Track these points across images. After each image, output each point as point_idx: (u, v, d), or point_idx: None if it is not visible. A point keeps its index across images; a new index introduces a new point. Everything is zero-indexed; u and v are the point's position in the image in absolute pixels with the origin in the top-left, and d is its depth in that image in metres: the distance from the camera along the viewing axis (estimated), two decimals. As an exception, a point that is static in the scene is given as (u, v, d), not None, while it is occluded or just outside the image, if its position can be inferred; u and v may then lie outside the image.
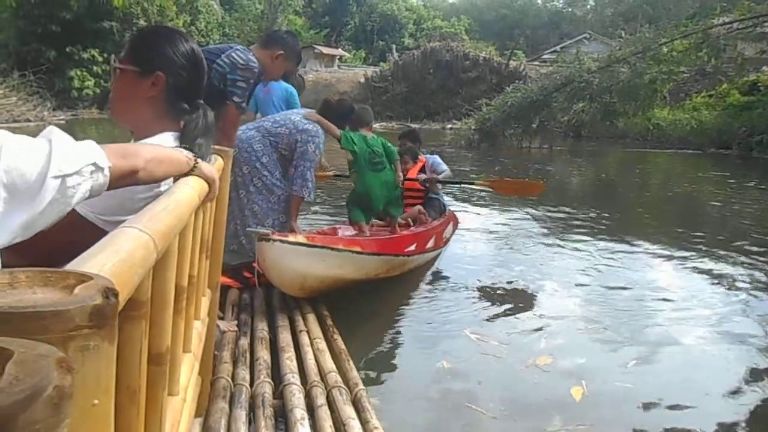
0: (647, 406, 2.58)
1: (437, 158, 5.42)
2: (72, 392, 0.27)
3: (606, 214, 6.92)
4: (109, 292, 0.38)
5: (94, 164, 0.86)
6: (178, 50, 1.46)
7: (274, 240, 3.12)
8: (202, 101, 1.52)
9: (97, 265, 0.51)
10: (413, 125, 23.67)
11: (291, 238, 3.24)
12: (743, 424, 2.46)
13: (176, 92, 1.45)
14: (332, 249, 3.32)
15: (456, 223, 5.39)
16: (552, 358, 2.98)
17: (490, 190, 6.10)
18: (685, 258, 5.00)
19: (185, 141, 1.41)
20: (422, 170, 5.08)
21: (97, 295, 0.36)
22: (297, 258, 3.15)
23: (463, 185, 5.63)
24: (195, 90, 1.50)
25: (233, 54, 3.04)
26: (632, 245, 5.37)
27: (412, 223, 4.64)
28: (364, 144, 4.01)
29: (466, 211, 6.77)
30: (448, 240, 4.99)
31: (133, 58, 1.45)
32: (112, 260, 0.54)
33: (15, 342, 0.29)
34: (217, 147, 1.80)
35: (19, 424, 0.24)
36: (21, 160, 0.73)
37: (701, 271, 4.65)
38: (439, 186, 5.33)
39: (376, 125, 4.70)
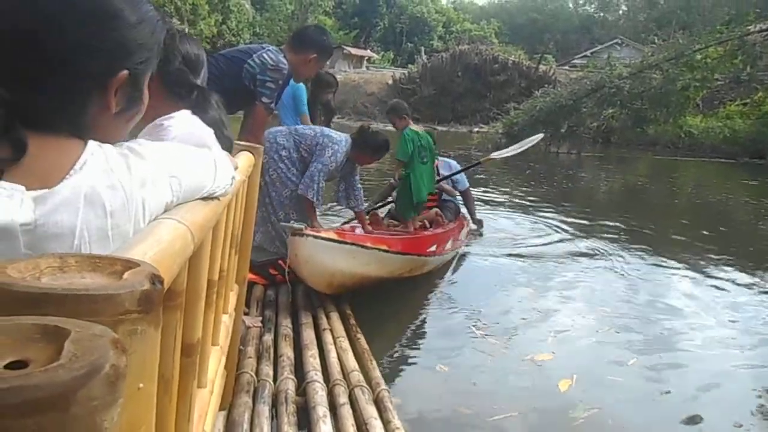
0: (637, 400, 2.66)
1: (454, 163, 5.46)
2: (126, 373, 0.28)
3: (631, 222, 6.82)
4: (156, 279, 0.39)
5: (233, 178, 1.04)
6: (176, 47, 1.47)
7: (308, 235, 3.16)
8: (197, 83, 1.51)
9: (140, 253, 0.52)
10: (439, 128, 23.69)
11: (323, 234, 3.29)
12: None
13: (171, 82, 1.43)
14: (362, 246, 3.36)
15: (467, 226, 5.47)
16: (552, 355, 3.04)
17: (494, 161, 6.18)
18: (708, 269, 4.91)
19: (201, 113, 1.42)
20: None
21: (145, 280, 0.37)
22: (328, 254, 3.19)
23: (469, 170, 5.64)
24: (188, 80, 1.47)
25: (264, 55, 3.06)
26: (656, 254, 5.28)
27: (428, 225, 4.68)
28: (417, 137, 4.11)
29: (484, 214, 6.75)
30: (463, 242, 5.03)
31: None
32: (154, 249, 0.55)
33: (70, 322, 0.30)
34: (247, 144, 1.82)
35: (78, 400, 0.25)
36: (195, 181, 0.83)
37: (724, 282, 4.56)
38: (457, 192, 5.40)
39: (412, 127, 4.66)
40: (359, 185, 3.83)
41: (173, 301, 0.69)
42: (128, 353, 0.35)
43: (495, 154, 6.01)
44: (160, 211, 0.72)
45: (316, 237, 3.18)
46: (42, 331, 0.29)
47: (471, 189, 5.87)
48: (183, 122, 1.35)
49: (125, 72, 0.72)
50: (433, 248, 4.10)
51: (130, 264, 0.41)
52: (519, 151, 6.07)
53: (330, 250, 3.20)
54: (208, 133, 1.17)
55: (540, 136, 6.37)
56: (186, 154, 0.84)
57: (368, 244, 3.42)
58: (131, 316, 0.36)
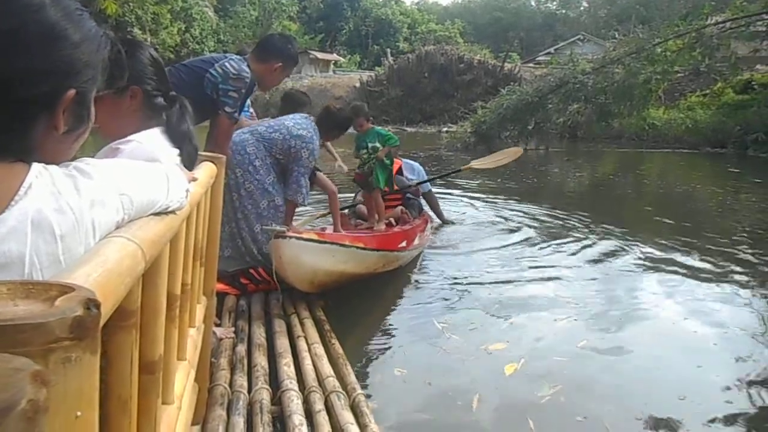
0: (579, 379, 2.78)
1: (417, 165, 5.55)
2: (47, 406, 0.27)
3: (597, 213, 6.90)
4: (91, 303, 0.38)
5: (187, 191, 1.06)
6: (141, 60, 1.49)
7: (290, 237, 3.27)
8: (173, 93, 1.56)
9: (83, 276, 0.51)
10: (408, 129, 23.76)
11: (305, 235, 3.40)
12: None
13: (152, 96, 1.50)
14: (340, 245, 3.49)
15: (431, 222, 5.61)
16: (506, 344, 3.14)
17: (474, 173, 6.26)
18: (672, 256, 4.99)
19: (171, 132, 1.46)
20: (399, 173, 5.13)
21: (77, 306, 0.36)
22: (310, 254, 3.31)
23: (449, 177, 5.74)
24: (165, 86, 1.54)
25: (226, 64, 3.02)
26: (622, 244, 5.35)
27: (394, 223, 4.79)
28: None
29: (453, 209, 6.82)
30: (428, 238, 5.15)
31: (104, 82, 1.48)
32: (98, 270, 0.54)
33: (-9, 356, 0.29)
34: (209, 154, 1.80)
35: (-8, 439, 0.24)
36: (146, 197, 0.82)
37: (685, 269, 4.66)
38: (423, 189, 5.49)
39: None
40: (303, 177, 3.71)
41: (126, 320, 0.68)
42: (59, 383, 0.34)
43: (475, 163, 6.15)
44: (111, 230, 0.70)
45: (299, 238, 3.30)
46: (-41, 367, 0.28)
47: (434, 189, 5.99)
48: (141, 136, 1.34)
49: (72, 91, 0.71)
50: (404, 244, 4.23)
51: (65, 289, 0.39)
52: (499, 164, 6.22)
53: (312, 250, 3.32)
54: (160, 148, 1.17)
55: (519, 150, 6.43)
56: (136, 170, 0.83)
57: (347, 243, 3.54)
58: (63, 343, 0.35)
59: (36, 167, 0.64)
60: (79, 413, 0.38)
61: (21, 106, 0.66)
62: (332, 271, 3.45)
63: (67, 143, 0.76)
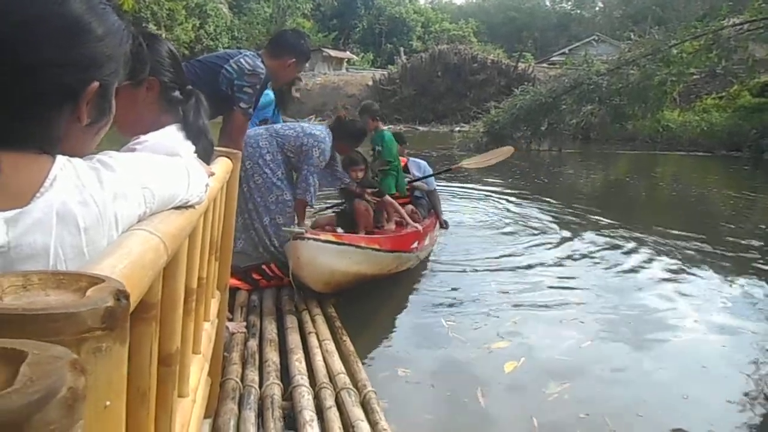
0: (581, 377, 2.79)
1: (423, 163, 5.53)
2: (85, 394, 0.27)
3: (612, 216, 6.86)
4: (121, 294, 0.38)
5: (206, 185, 1.06)
6: (159, 53, 1.50)
7: (308, 238, 3.30)
8: (189, 87, 1.57)
9: (109, 268, 0.51)
10: (420, 128, 23.71)
11: (322, 236, 3.43)
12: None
13: (169, 88, 1.50)
14: (357, 246, 3.51)
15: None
16: (509, 343, 3.16)
17: (466, 171, 6.26)
18: (685, 262, 4.96)
19: (187, 127, 1.47)
20: (405, 170, 5.13)
21: (108, 297, 0.37)
22: (327, 255, 3.34)
23: (440, 175, 5.72)
24: (182, 79, 1.55)
25: (241, 60, 3.04)
26: (635, 246, 5.33)
27: (405, 223, 4.71)
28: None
29: (464, 209, 6.80)
30: (436, 237, 5.13)
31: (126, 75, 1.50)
32: (123, 262, 0.54)
33: (29, 344, 0.29)
34: (225, 149, 1.81)
35: (34, 425, 0.24)
36: (167, 191, 0.82)
37: (701, 271, 4.63)
38: (429, 187, 5.46)
39: (384, 128, 4.73)
40: (312, 176, 3.72)
41: (147, 312, 0.68)
42: (92, 372, 0.35)
43: (465, 163, 6.20)
44: (133, 223, 0.71)
45: (316, 240, 3.34)
46: (-2, 354, 0.28)
47: (440, 188, 5.97)
48: (156, 135, 1.35)
49: (96, 84, 0.71)
50: (416, 245, 4.23)
51: (95, 280, 0.40)
52: (490, 163, 6.23)
53: (329, 252, 3.35)
54: (180, 143, 1.17)
55: (510, 149, 6.45)
56: (157, 164, 0.84)
57: (363, 244, 3.57)
58: (95, 333, 0.35)
59: (60, 159, 0.65)
60: (108, 403, 0.38)
61: (45, 96, 0.67)
62: (348, 272, 3.47)
63: (90, 135, 0.77)
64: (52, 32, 0.67)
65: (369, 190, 4.30)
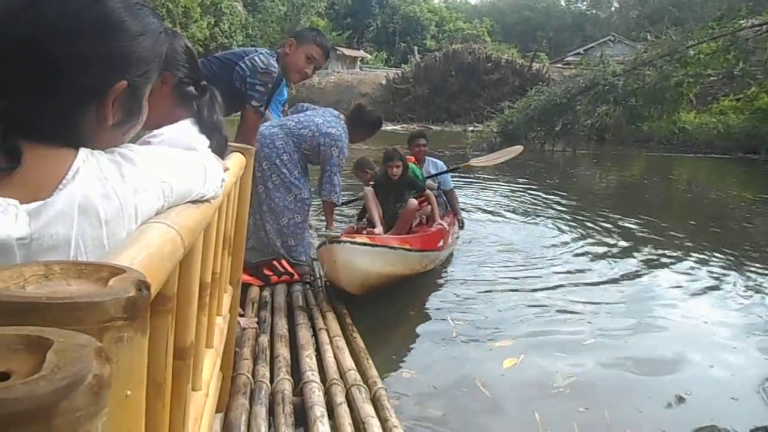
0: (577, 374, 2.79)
1: (440, 163, 5.51)
2: (110, 381, 0.27)
3: (626, 219, 6.82)
4: (142, 285, 0.39)
5: (222, 180, 1.07)
6: (174, 47, 1.51)
7: (345, 241, 3.32)
8: (204, 82, 1.57)
9: (128, 259, 0.52)
10: (434, 127, 23.66)
11: (358, 239, 3.45)
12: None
13: (183, 83, 1.50)
14: (390, 248, 3.52)
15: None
16: (513, 341, 3.18)
17: (476, 170, 6.24)
18: (699, 261, 4.92)
19: (201, 122, 1.47)
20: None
21: (131, 287, 0.37)
22: (362, 257, 3.35)
23: (449, 173, 5.70)
24: (197, 75, 1.55)
25: (255, 57, 3.06)
26: (649, 250, 5.28)
27: (425, 221, 4.75)
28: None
29: (479, 211, 6.78)
30: (457, 236, 5.14)
31: None
32: (142, 254, 0.55)
33: (54, 332, 0.30)
34: (239, 144, 1.81)
35: (60, 412, 0.25)
36: (185, 185, 0.82)
37: (711, 273, 4.59)
38: (446, 187, 5.46)
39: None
40: (336, 176, 3.74)
41: (164, 305, 0.69)
42: (114, 361, 0.35)
43: (474, 161, 6.22)
44: (151, 217, 0.71)
45: (352, 243, 3.36)
46: (24, 341, 0.28)
47: (456, 188, 5.93)
48: (171, 129, 1.36)
49: (123, 83, 0.71)
50: (441, 243, 4.26)
51: (116, 270, 0.40)
52: (499, 161, 6.25)
53: (364, 254, 3.36)
54: (196, 138, 1.18)
55: (520, 148, 6.43)
56: (176, 158, 0.84)
57: (395, 245, 3.58)
58: (117, 323, 0.35)
59: (83, 152, 0.66)
60: (128, 392, 0.39)
61: (71, 92, 0.67)
62: (381, 273, 3.48)
63: (117, 135, 0.77)
64: (85, 27, 0.67)
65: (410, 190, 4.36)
